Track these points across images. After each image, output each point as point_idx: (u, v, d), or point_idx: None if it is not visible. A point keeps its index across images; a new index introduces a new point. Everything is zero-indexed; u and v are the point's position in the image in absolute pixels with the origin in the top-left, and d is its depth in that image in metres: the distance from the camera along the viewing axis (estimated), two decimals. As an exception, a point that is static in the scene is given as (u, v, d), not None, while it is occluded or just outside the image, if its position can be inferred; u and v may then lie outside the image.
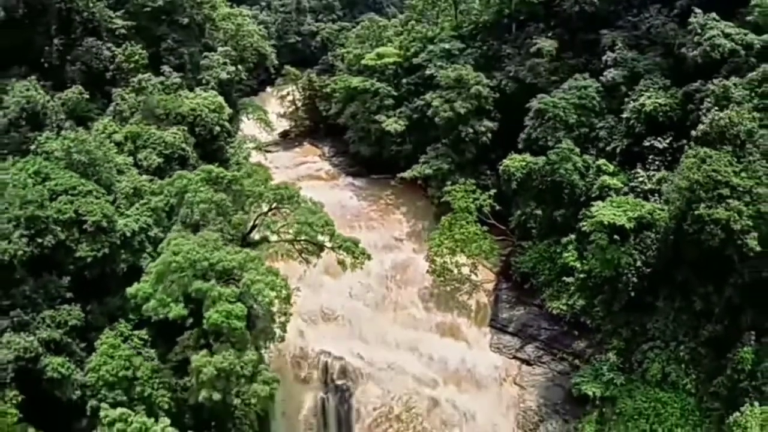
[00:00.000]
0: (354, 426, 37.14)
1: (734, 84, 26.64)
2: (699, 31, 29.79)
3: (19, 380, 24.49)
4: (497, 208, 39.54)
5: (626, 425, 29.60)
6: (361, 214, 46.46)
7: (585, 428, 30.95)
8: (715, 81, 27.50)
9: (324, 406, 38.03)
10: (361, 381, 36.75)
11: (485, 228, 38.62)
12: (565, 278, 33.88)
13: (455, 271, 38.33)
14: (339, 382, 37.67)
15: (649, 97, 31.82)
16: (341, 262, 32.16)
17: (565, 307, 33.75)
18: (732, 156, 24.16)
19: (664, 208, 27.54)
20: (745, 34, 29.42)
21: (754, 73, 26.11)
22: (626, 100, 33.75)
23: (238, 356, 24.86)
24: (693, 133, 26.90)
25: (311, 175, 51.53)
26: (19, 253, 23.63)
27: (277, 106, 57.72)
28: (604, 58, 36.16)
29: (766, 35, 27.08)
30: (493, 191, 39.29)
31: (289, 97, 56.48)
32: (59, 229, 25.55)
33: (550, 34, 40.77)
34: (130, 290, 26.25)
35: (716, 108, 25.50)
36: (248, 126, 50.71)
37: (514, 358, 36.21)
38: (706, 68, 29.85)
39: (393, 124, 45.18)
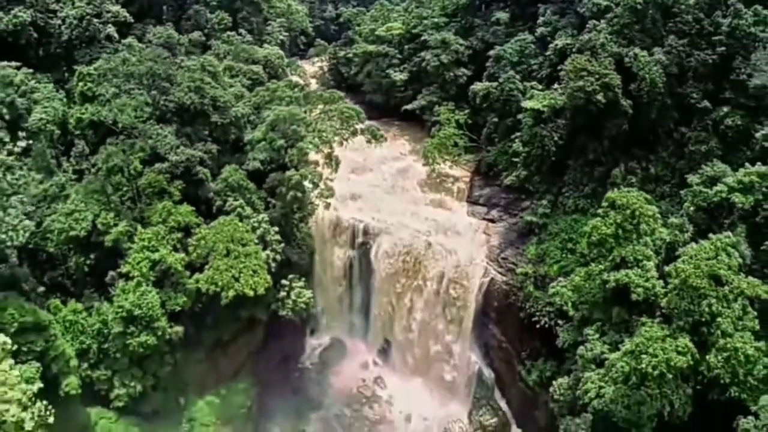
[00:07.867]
0: (373, 267, 54.31)
1: (601, 22, 45.37)
2: (587, -4, 48.87)
3: (180, 178, 41.24)
4: (470, 122, 57.37)
5: (554, 239, 44.52)
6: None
7: (529, 248, 45.99)
8: (588, 23, 46.27)
9: (351, 259, 55.36)
10: (377, 235, 54.06)
11: (461, 132, 56.68)
12: (513, 159, 51.78)
13: (441, 164, 56.18)
14: (362, 239, 55.03)
15: (562, 41, 50.52)
16: (369, 141, 49.62)
17: (514, 179, 50.65)
18: (591, 56, 42.33)
19: (563, 98, 45.79)
20: (620, -4, 48.18)
21: (611, 13, 44.87)
22: (550, 46, 52.35)
23: (312, 170, 42.39)
24: (573, 51, 45.50)
25: (336, 119, 70.07)
26: (196, 102, 41.39)
27: (307, 72, 76.11)
28: (538, 21, 54.98)
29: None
30: (467, 111, 57.54)
31: (318, 64, 75.10)
32: (208, 99, 43.24)
33: (506, 10, 59.82)
34: (248, 137, 43.77)
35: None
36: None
37: (483, 219, 52.31)
38: (596, 19, 48.34)
39: (399, 75, 63.64)
